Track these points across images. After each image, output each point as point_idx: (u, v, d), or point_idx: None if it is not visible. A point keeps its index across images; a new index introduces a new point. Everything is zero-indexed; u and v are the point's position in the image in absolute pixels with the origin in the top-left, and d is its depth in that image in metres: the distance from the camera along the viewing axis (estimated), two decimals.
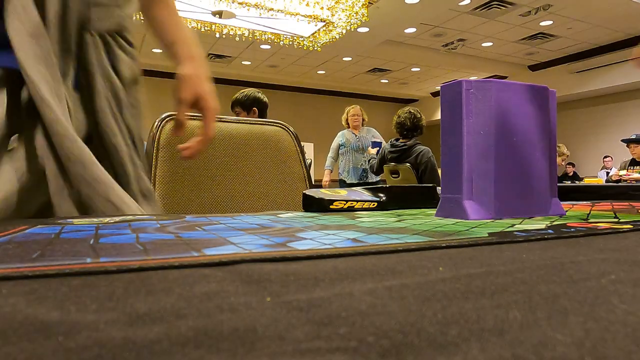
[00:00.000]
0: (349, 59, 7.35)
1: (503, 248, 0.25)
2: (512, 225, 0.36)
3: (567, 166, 7.22)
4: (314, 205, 0.53)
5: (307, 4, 4.82)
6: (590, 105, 8.64)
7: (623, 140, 5.21)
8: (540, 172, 0.46)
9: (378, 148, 3.23)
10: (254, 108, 2.30)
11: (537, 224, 0.37)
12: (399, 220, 0.40)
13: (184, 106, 0.64)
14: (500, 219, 0.43)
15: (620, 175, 4.60)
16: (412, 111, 2.95)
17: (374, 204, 0.56)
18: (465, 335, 0.11)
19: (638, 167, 4.86)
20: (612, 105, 8.38)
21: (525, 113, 0.45)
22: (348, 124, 3.58)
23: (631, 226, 0.34)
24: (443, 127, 0.45)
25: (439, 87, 0.45)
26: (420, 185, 0.63)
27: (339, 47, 6.39)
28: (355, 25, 5.19)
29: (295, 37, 5.88)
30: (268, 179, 1.01)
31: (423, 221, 0.40)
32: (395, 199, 0.57)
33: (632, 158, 4.93)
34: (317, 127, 8.74)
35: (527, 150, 0.45)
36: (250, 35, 5.67)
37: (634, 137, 4.95)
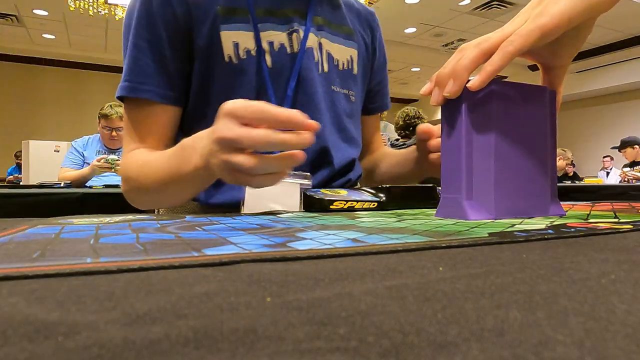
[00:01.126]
0: None
1: (503, 248, 0.25)
2: (512, 225, 0.36)
3: (567, 166, 7.23)
4: (314, 205, 0.53)
5: None
6: (590, 105, 8.64)
7: (613, 148, 5.34)
8: (541, 172, 0.46)
9: None
10: None
11: (537, 224, 0.37)
12: (399, 220, 0.40)
13: None
14: (500, 219, 0.42)
15: (625, 172, 4.63)
16: (406, 110, 3.00)
17: (374, 204, 0.56)
18: (465, 335, 0.11)
19: (638, 167, 4.90)
20: (612, 105, 8.39)
21: (526, 113, 0.45)
22: None
23: (631, 226, 0.34)
24: (443, 127, 0.45)
25: None
26: (420, 185, 0.63)
27: None
28: None
29: None
30: None
31: (423, 221, 0.40)
32: (395, 199, 0.57)
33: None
34: None
35: (528, 150, 0.45)
36: None
37: (619, 144, 5.11)
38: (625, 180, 4.60)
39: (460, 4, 5.44)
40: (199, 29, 0.69)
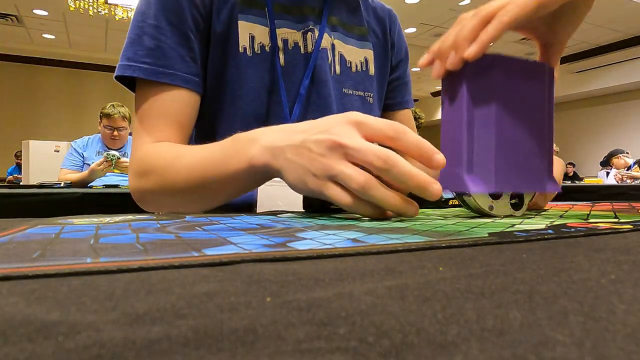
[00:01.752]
0: None
1: (503, 248, 0.25)
2: (512, 225, 0.36)
3: (567, 166, 7.23)
4: (314, 205, 0.53)
5: None
6: (590, 105, 8.64)
7: (602, 164, 5.58)
8: (539, 148, 0.45)
9: None
10: None
11: (537, 224, 0.37)
12: (399, 220, 0.40)
13: None
14: (500, 192, 0.42)
15: (622, 175, 4.73)
16: None
17: None
18: (465, 335, 0.11)
19: (635, 166, 4.97)
20: (612, 105, 8.39)
21: (526, 88, 0.44)
22: None
23: (631, 226, 0.34)
24: (443, 101, 0.45)
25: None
26: None
27: None
28: None
29: None
30: None
31: (423, 221, 0.40)
32: None
33: (636, 159, 5.13)
34: None
35: (527, 125, 0.44)
36: None
37: (605, 158, 5.41)
38: (622, 181, 4.66)
39: (460, 4, 5.44)
40: (218, 13, 0.68)
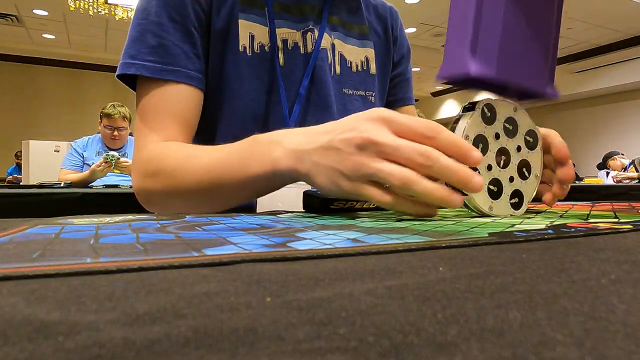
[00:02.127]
0: None
1: (503, 248, 0.25)
2: (512, 225, 0.36)
3: None
4: (314, 205, 0.53)
5: None
6: (590, 105, 8.64)
7: (599, 166, 5.67)
8: (543, 51, 0.45)
9: None
10: None
11: (537, 224, 0.37)
12: (399, 220, 0.40)
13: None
14: (500, 79, 0.42)
15: (619, 177, 4.78)
16: None
17: (374, 204, 0.56)
18: (465, 335, 0.11)
19: (631, 167, 5.02)
20: (612, 105, 8.39)
21: None
22: None
23: (631, 226, 0.34)
24: None
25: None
26: None
27: None
28: None
29: None
30: None
31: (423, 221, 0.40)
32: None
33: (631, 160, 5.17)
34: None
35: (534, 25, 0.44)
36: None
37: (602, 161, 5.52)
38: (619, 181, 4.69)
39: None
40: (218, 10, 0.67)
